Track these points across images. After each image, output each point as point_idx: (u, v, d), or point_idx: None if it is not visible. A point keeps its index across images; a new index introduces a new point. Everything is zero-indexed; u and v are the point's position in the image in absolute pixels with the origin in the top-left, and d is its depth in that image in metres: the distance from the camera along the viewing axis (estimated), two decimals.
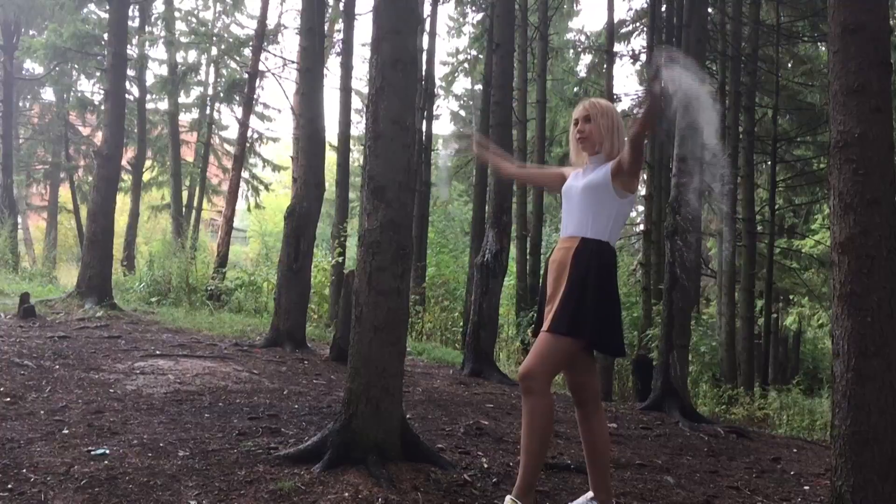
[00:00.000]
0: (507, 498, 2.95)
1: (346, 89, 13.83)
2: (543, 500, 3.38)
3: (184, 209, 21.59)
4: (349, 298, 6.34)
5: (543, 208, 16.75)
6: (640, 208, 18.81)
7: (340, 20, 15.22)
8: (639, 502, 3.58)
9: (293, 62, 17.45)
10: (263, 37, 16.91)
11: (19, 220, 21.75)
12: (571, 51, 22.60)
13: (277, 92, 64.20)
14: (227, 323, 10.00)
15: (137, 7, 17.35)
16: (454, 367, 8.98)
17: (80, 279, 9.99)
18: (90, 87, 33.80)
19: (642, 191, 16.90)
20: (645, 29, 16.37)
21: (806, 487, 4.40)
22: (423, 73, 15.54)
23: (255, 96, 18.47)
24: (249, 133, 20.16)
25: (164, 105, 22.67)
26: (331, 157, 13.12)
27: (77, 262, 15.66)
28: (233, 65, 21.08)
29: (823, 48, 15.70)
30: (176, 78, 20.06)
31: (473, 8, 19.73)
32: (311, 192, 8.34)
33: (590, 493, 3.11)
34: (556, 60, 19.95)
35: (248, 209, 25.96)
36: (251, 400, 5.05)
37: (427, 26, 16.14)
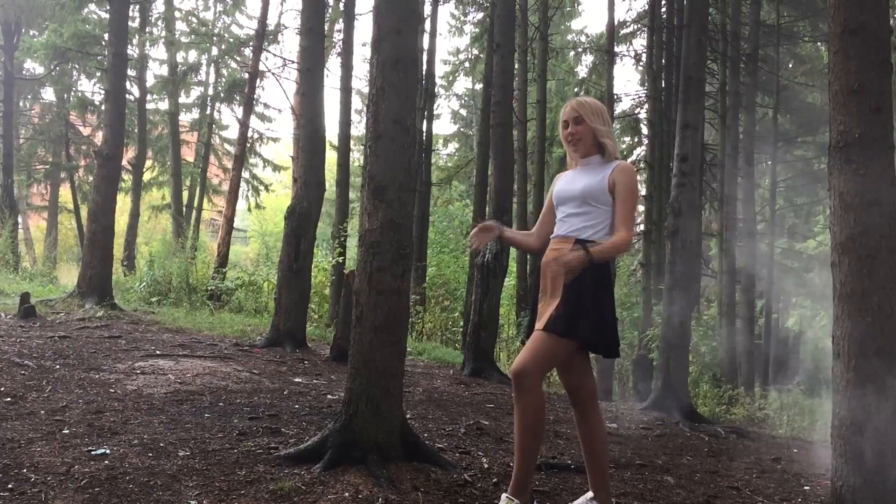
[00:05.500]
0: (503, 496, 2.95)
1: (346, 89, 13.83)
2: (544, 501, 3.38)
3: (184, 209, 21.59)
4: (349, 298, 6.34)
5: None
6: (641, 208, 18.81)
7: (341, 20, 15.23)
8: (639, 502, 3.58)
9: (293, 62, 17.47)
10: (264, 37, 16.91)
11: (20, 220, 21.74)
12: (572, 51, 22.59)
13: (278, 92, 64.27)
14: (227, 323, 10.00)
15: (138, 7, 17.36)
16: (454, 367, 8.98)
17: (80, 279, 9.99)
18: (90, 87, 33.90)
19: (643, 191, 16.88)
20: (645, 30, 16.37)
21: (806, 487, 4.40)
22: (424, 72, 15.54)
23: (255, 96, 18.47)
24: (250, 133, 20.15)
25: (164, 105, 22.69)
26: (331, 157, 13.12)
27: (77, 262, 15.67)
28: (233, 65, 21.09)
29: (824, 48, 15.69)
30: (176, 78, 20.07)
31: (474, 7, 19.73)
32: (312, 192, 8.34)
33: (590, 493, 3.11)
34: (556, 61, 19.94)
35: (249, 209, 25.96)
36: (251, 400, 5.05)
37: (427, 26, 16.14)
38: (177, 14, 20.53)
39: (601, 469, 3.05)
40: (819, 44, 15.93)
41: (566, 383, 3.13)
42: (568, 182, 3.13)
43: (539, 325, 2.97)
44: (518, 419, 2.89)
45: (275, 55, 29.11)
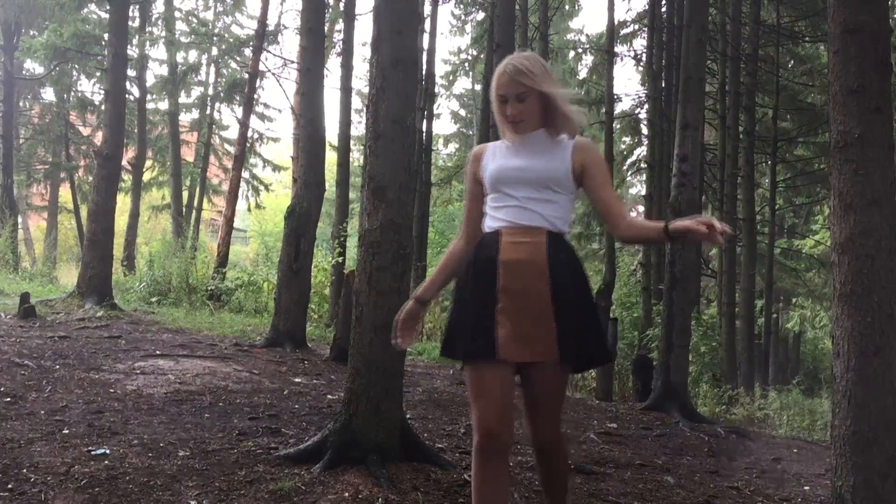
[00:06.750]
0: None
1: (346, 89, 13.82)
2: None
3: (184, 209, 21.59)
4: (349, 298, 6.34)
5: None
6: (641, 208, 18.84)
7: (341, 20, 15.22)
8: (639, 502, 3.57)
9: (293, 62, 17.46)
10: (264, 37, 16.91)
11: (20, 220, 21.75)
12: (572, 51, 22.60)
13: (278, 92, 64.28)
14: (227, 323, 10.00)
15: (138, 7, 17.35)
16: (454, 367, 8.98)
17: (80, 279, 9.99)
18: (90, 87, 33.91)
19: (642, 191, 16.87)
20: (645, 30, 16.38)
21: (806, 488, 4.40)
22: (424, 72, 15.53)
23: (255, 96, 18.48)
24: (250, 133, 20.16)
25: (164, 105, 22.69)
26: (331, 157, 13.11)
27: (77, 262, 15.66)
28: (233, 65, 21.09)
29: (824, 48, 15.69)
30: (176, 78, 20.07)
31: (474, 7, 19.74)
32: (312, 192, 8.33)
33: None
34: (556, 61, 19.95)
35: (249, 209, 25.97)
36: (251, 400, 5.05)
37: (427, 26, 16.14)
38: (177, 14, 20.53)
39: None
40: (819, 44, 15.92)
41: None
42: (511, 160, 2.40)
43: (537, 355, 2.26)
44: (551, 481, 2.51)
45: (275, 55, 29.06)
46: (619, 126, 17.27)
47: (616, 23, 15.58)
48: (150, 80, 20.78)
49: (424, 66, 15.72)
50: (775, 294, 17.12)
